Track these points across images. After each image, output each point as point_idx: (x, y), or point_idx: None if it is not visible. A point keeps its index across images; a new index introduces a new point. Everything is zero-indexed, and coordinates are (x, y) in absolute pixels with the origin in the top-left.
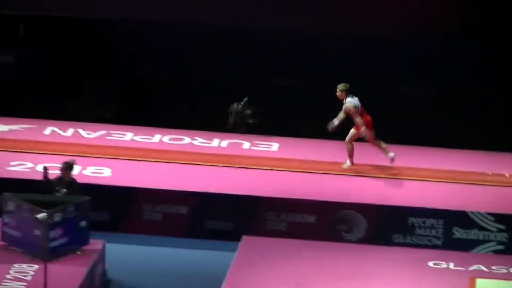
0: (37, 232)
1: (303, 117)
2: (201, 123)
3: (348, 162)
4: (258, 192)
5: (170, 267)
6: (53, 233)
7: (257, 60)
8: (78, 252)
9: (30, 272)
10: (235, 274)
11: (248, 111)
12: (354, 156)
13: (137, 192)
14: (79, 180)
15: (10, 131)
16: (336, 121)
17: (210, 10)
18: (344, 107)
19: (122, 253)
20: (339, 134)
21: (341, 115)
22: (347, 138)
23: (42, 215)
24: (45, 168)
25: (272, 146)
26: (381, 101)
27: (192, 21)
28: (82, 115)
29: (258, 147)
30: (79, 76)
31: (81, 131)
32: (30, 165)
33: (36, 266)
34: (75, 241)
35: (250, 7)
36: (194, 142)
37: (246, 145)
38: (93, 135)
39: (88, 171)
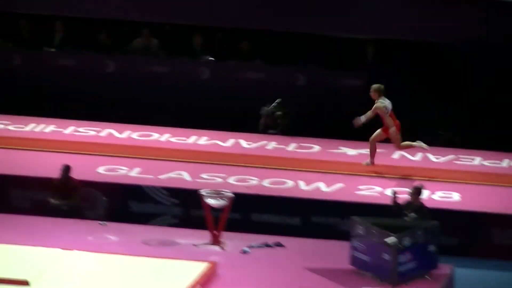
0: (386, 256)
1: None
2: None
3: (368, 161)
4: None
5: None
6: (402, 257)
7: None
8: (426, 277)
9: None
10: None
11: (279, 113)
12: None
13: (487, 217)
14: (428, 204)
15: (358, 154)
16: (363, 118)
17: None
18: (374, 106)
19: (471, 278)
20: None
21: (369, 113)
22: (372, 138)
23: (391, 239)
24: (395, 193)
25: None
26: None
27: None
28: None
29: None
30: (429, 99)
31: (429, 155)
32: (378, 189)
33: None
34: (423, 266)
35: None
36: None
37: None
38: (442, 159)
39: (436, 196)
